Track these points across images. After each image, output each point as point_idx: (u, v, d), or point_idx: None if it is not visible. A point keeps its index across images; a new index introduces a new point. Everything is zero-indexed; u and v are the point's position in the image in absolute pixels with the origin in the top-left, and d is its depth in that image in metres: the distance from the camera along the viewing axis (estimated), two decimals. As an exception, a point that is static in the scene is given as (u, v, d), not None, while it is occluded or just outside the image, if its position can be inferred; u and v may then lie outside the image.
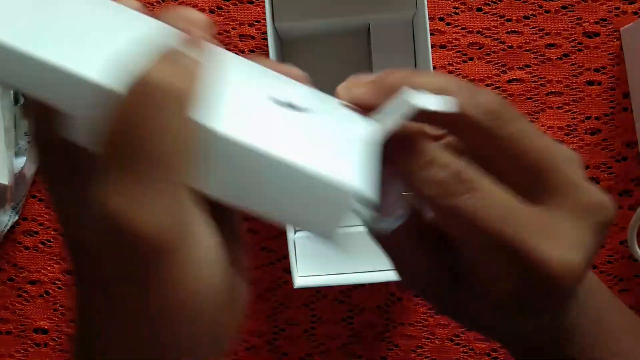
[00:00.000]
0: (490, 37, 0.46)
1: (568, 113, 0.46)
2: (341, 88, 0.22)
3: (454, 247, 0.22)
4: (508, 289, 0.20)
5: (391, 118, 0.19)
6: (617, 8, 0.46)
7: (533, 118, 0.46)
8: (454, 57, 0.46)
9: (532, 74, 0.46)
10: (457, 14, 0.46)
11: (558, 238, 0.19)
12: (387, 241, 0.23)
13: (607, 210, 0.20)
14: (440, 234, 0.22)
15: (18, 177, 0.45)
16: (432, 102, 0.18)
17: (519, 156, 0.19)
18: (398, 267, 0.23)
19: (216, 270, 0.18)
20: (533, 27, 0.46)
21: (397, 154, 0.19)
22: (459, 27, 0.46)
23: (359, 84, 0.21)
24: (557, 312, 0.22)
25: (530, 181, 0.20)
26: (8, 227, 0.46)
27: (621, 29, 0.46)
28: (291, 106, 0.19)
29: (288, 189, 0.18)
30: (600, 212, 0.20)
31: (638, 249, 0.43)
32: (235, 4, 0.47)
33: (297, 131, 0.19)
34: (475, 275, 0.21)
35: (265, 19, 0.45)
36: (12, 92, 0.43)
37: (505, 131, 0.19)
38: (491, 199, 0.19)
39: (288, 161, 0.17)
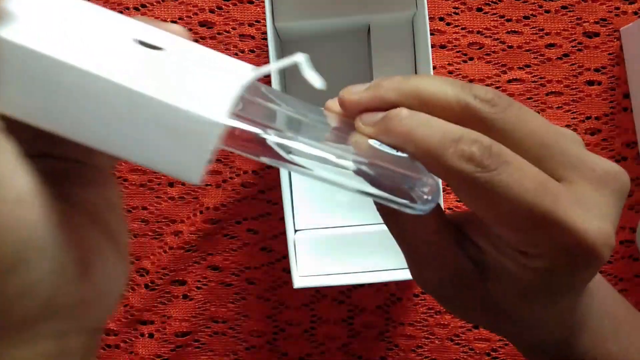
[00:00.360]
0: (490, 37, 0.46)
1: (568, 113, 0.46)
2: (338, 98, 0.22)
3: (478, 237, 0.22)
4: (543, 265, 0.20)
5: (272, 67, 0.19)
6: (617, 8, 0.46)
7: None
8: (454, 57, 0.46)
9: (532, 74, 0.46)
10: (457, 14, 0.46)
11: (588, 208, 0.19)
12: (407, 239, 0.23)
13: (622, 177, 0.20)
14: (461, 228, 0.23)
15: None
16: (310, 74, 0.19)
17: (521, 139, 0.20)
18: (415, 265, 0.24)
19: (19, 209, 0.16)
20: (533, 27, 0.46)
21: (423, 136, 0.19)
22: (459, 27, 0.46)
23: (353, 92, 0.21)
24: (577, 298, 0.22)
25: (538, 162, 0.20)
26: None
27: (621, 29, 0.46)
28: (144, 44, 0.18)
29: (127, 118, 0.17)
30: (617, 181, 0.20)
31: None
32: (235, 4, 0.47)
33: (143, 61, 0.17)
34: (504, 260, 0.21)
35: (265, 19, 0.45)
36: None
37: (504, 115, 0.20)
38: (524, 172, 0.19)
39: (121, 83, 0.16)
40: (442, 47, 0.46)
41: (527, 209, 0.19)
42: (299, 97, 0.48)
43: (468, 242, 0.22)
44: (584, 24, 0.46)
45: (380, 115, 0.20)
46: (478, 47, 0.46)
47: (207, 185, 0.46)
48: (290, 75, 0.46)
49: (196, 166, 0.17)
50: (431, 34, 0.46)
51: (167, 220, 0.46)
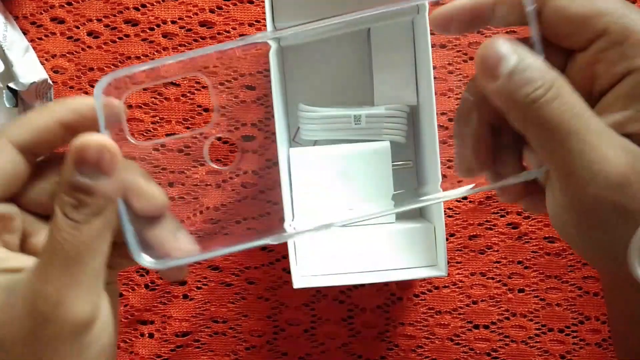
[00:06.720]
0: (491, 36, 0.46)
1: (568, 113, 0.46)
2: None
3: None
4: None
5: None
6: (618, 8, 0.46)
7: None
8: (454, 57, 0.46)
9: (532, 74, 0.46)
10: (457, 13, 0.46)
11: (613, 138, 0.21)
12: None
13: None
14: None
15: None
16: None
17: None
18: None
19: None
20: (533, 27, 0.46)
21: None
22: (459, 27, 0.46)
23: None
24: None
25: None
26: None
27: (621, 28, 0.46)
28: None
29: None
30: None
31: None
32: (235, 4, 0.47)
33: None
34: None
35: (265, 19, 0.45)
36: (5, 92, 0.43)
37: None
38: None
39: None
40: (443, 46, 0.46)
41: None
42: (299, 97, 0.48)
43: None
44: (584, 24, 0.46)
45: None
46: (478, 46, 0.46)
47: (207, 185, 0.46)
48: (290, 75, 0.46)
49: None
50: (431, 34, 0.45)
51: (167, 220, 0.46)
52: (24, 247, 0.24)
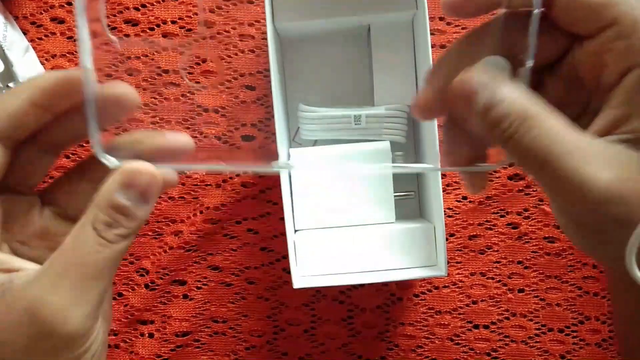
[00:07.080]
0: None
1: (568, 113, 0.46)
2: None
3: None
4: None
5: None
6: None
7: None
8: (454, 57, 0.46)
9: (532, 74, 0.46)
10: (457, 13, 0.46)
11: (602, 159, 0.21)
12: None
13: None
14: None
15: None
16: None
17: None
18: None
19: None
20: (533, 27, 0.46)
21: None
22: (460, 27, 0.46)
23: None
24: None
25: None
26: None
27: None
28: None
29: None
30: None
31: (638, 271, 0.43)
32: (235, 4, 0.47)
33: None
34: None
35: (265, 19, 0.45)
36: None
37: None
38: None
39: None
40: (443, 47, 0.46)
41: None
42: (299, 97, 0.48)
43: None
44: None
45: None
46: (478, 47, 0.46)
47: (207, 185, 0.46)
48: (290, 75, 0.46)
49: None
50: (431, 34, 0.46)
51: (167, 220, 0.46)
52: (7, 228, 0.24)
